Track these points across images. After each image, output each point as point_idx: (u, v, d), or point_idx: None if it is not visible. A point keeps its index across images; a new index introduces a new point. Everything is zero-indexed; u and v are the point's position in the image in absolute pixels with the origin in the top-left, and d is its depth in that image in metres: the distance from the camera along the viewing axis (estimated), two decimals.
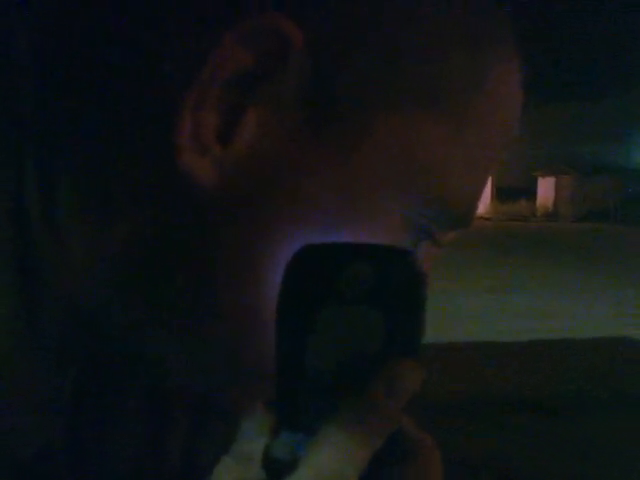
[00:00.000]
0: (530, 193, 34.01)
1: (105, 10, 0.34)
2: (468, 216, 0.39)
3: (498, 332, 5.41)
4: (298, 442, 0.31)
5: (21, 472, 0.35)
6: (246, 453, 0.32)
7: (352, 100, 0.33)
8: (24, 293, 0.34)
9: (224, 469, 0.32)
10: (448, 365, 4.19)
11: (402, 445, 0.32)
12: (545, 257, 12.17)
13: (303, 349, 0.31)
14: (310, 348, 0.31)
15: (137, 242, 0.34)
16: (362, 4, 0.34)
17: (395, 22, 0.34)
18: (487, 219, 30.22)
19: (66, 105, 0.34)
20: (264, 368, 0.33)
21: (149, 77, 0.33)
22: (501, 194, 33.91)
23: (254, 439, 0.32)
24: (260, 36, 0.32)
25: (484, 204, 34.24)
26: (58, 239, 0.34)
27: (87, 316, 0.36)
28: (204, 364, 0.37)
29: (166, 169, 0.33)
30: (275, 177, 0.33)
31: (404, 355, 0.31)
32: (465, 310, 6.17)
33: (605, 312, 6.66)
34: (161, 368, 0.38)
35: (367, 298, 0.31)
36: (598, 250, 14.14)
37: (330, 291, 0.31)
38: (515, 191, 33.83)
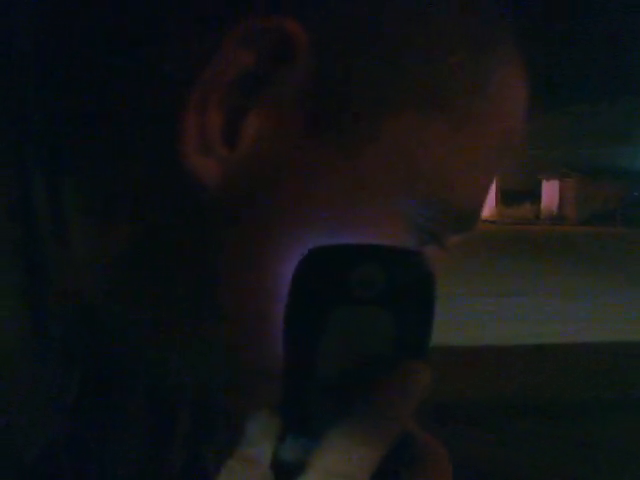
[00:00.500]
0: (535, 196, 33.94)
1: (106, 10, 0.34)
2: (473, 219, 0.38)
3: (500, 336, 5.40)
4: (306, 447, 0.31)
5: (24, 472, 0.35)
6: (251, 457, 0.32)
7: (356, 102, 0.33)
8: (30, 293, 0.34)
9: (229, 473, 0.31)
10: (452, 368, 4.18)
11: (411, 448, 0.32)
12: (550, 261, 12.13)
13: (312, 351, 0.31)
14: (319, 350, 0.31)
15: (139, 242, 0.34)
16: (365, 5, 0.34)
17: (398, 23, 0.34)
18: (492, 222, 30.17)
19: (67, 105, 0.34)
20: (268, 370, 0.33)
21: (150, 77, 0.33)
22: (505, 197, 33.85)
23: (259, 443, 0.32)
24: (263, 37, 0.32)
25: (489, 207, 34.17)
26: (63, 240, 0.34)
27: (91, 316, 0.36)
28: (206, 365, 0.36)
29: (169, 170, 0.33)
30: (278, 179, 0.33)
31: (414, 356, 0.31)
32: (469, 314, 6.15)
33: (610, 316, 6.64)
34: (163, 369, 0.38)
35: (378, 299, 0.31)
36: (602, 254, 14.09)
37: (340, 292, 0.30)
38: (520, 194, 33.76)
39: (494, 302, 7.25)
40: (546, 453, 3.09)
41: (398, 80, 0.34)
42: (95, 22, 0.34)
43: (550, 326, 5.98)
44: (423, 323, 0.32)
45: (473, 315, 6.19)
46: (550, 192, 33.87)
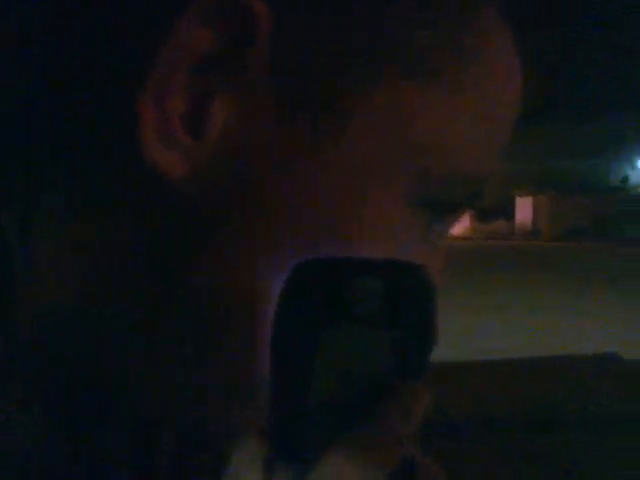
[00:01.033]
0: (508, 212, 34.25)
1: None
2: (479, 188, 0.36)
3: (480, 350, 5.46)
4: (297, 474, 0.29)
5: None
6: None
7: (334, 79, 0.31)
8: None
9: None
10: (440, 385, 4.21)
11: (411, 471, 0.31)
12: (527, 277, 12.26)
13: (305, 372, 0.28)
14: (311, 371, 0.28)
15: (106, 249, 0.32)
16: None
17: None
18: (467, 239, 30.38)
19: (21, 102, 0.31)
20: (257, 392, 0.31)
21: (102, 64, 0.30)
22: (480, 214, 34.12)
23: (246, 472, 0.30)
24: (224, 14, 0.29)
25: (464, 225, 34.41)
26: (31, 256, 0.32)
27: (63, 340, 0.32)
28: (190, 390, 0.33)
29: (132, 166, 0.30)
30: (254, 173, 0.30)
31: (415, 375, 0.31)
32: (452, 329, 6.20)
33: (590, 329, 6.74)
34: (143, 394, 0.34)
35: (377, 316, 0.29)
36: (578, 269, 14.27)
37: (336, 309, 0.28)
38: (494, 211, 34.05)
39: (475, 317, 7.32)
40: (537, 467, 3.14)
41: (378, 49, 0.31)
42: (42, 6, 0.31)
43: (531, 340, 6.05)
44: (424, 341, 0.30)
45: (455, 330, 6.24)
46: (524, 208, 34.21)
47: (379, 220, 0.32)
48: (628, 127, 38.18)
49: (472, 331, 6.50)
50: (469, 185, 0.35)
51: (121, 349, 0.33)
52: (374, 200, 0.32)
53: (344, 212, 0.31)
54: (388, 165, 0.32)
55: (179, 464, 0.40)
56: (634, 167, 39.05)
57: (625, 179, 36.46)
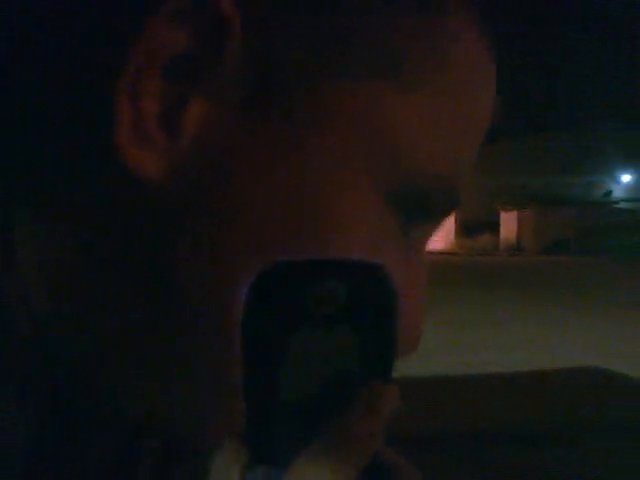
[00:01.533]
0: (493, 226, 34.39)
1: None
2: (456, 191, 0.36)
3: (469, 365, 5.46)
4: (274, 478, 0.29)
5: None
6: None
7: (300, 79, 0.31)
8: None
9: None
10: (420, 399, 4.21)
11: (385, 473, 0.32)
12: (513, 291, 12.31)
13: (274, 374, 0.29)
14: (281, 373, 0.29)
15: (84, 250, 0.32)
16: None
17: None
18: (452, 254, 30.44)
19: None
20: (232, 395, 0.31)
21: (75, 65, 0.30)
22: (465, 229, 34.24)
23: (226, 475, 0.31)
24: (195, 16, 0.29)
25: (449, 240, 34.50)
26: (12, 257, 0.32)
27: (48, 346, 0.33)
28: (170, 392, 0.33)
29: (110, 167, 0.30)
30: (229, 172, 0.31)
31: (380, 374, 0.31)
32: (436, 344, 6.20)
33: (573, 342, 6.77)
34: (123, 396, 0.34)
35: (340, 317, 0.29)
36: (563, 282, 14.34)
37: (300, 311, 0.29)
38: (478, 225, 34.17)
39: (460, 332, 7.33)
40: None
41: (343, 49, 0.31)
42: (11, 7, 0.31)
43: (515, 353, 6.06)
44: (388, 339, 0.31)
45: (439, 345, 6.24)
46: (508, 222, 34.37)
47: (353, 219, 0.32)
48: (612, 141, 38.55)
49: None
50: (442, 189, 0.35)
51: (97, 351, 0.33)
52: (348, 198, 0.32)
53: (318, 209, 0.31)
54: (362, 164, 0.32)
55: (162, 469, 0.40)
56: (618, 181, 39.40)
57: (608, 193, 36.78)
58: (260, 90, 0.30)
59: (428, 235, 0.38)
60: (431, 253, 29.59)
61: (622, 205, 35.53)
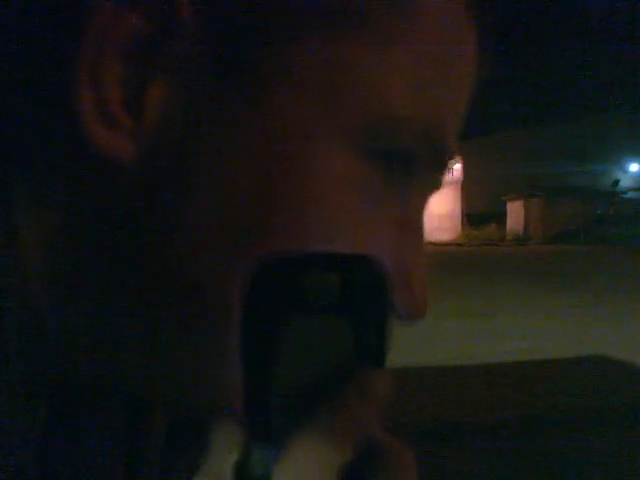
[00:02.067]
0: (500, 217, 34.35)
1: None
2: (441, 141, 0.35)
3: (470, 355, 5.46)
4: (271, 458, 0.30)
5: None
6: (216, 472, 0.31)
7: (254, 43, 0.30)
8: None
9: None
10: (423, 388, 4.22)
11: (378, 455, 0.32)
12: (518, 281, 12.29)
13: (271, 361, 0.30)
14: (278, 360, 0.30)
15: (60, 236, 0.32)
16: None
17: None
18: (460, 245, 30.44)
19: None
20: (231, 381, 0.31)
21: (33, 55, 0.30)
22: (472, 220, 34.23)
23: (224, 457, 0.31)
24: None
25: (456, 231, 34.51)
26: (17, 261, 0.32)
27: (50, 340, 0.33)
28: (164, 373, 0.34)
29: (82, 153, 0.30)
30: (198, 151, 0.31)
31: (374, 362, 0.32)
32: (442, 334, 6.21)
33: (577, 331, 6.76)
34: (127, 383, 0.35)
35: (334, 307, 0.30)
36: (568, 272, 14.30)
37: (296, 302, 0.30)
38: (485, 216, 34.16)
39: (466, 322, 7.32)
40: (517, 469, 3.13)
41: (299, 7, 0.31)
42: None
43: (520, 342, 6.05)
44: (381, 327, 0.32)
45: (444, 335, 6.25)
46: (515, 213, 34.31)
47: (333, 177, 0.32)
48: (619, 131, 38.38)
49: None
50: (418, 133, 0.33)
51: (89, 323, 0.33)
52: (324, 157, 0.31)
53: (296, 176, 0.31)
54: (331, 119, 0.31)
55: (166, 453, 0.42)
56: (625, 171, 39.25)
57: (616, 182, 36.62)
58: (217, 61, 0.30)
59: (425, 194, 0.37)
60: (438, 244, 29.65)
61: (630, 195, 35.41)
